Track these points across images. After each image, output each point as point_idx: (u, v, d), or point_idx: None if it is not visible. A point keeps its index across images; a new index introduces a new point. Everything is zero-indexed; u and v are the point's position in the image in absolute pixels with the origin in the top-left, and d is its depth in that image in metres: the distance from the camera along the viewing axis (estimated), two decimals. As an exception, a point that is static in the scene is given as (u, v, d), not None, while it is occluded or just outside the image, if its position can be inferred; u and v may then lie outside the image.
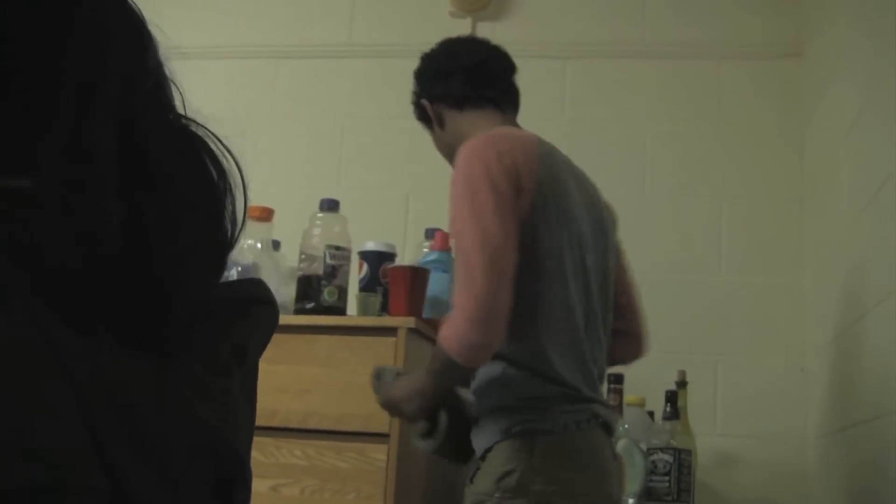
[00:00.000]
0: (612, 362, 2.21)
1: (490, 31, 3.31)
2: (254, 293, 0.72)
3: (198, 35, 3.39)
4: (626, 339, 2.21)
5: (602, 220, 2.10)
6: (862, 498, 2.17)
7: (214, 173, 0.69)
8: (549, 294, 1.92)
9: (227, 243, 0.70)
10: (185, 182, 0.66)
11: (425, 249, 2.80)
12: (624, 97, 3.10)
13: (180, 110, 0.69)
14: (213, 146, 0.69)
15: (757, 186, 3.02)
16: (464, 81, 2.14)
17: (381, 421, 2.26)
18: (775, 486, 2.79)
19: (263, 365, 0.75)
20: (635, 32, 3.23)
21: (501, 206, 1.85)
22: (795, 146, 3.02)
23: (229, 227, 0.70)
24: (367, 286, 2.58)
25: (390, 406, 2.01)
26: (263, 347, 0.74)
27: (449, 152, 2.13)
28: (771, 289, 2.93)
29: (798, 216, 2.96)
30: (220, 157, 0.69)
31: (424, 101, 2.18)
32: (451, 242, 1.91)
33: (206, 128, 0.69)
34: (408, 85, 3.28)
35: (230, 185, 0.70)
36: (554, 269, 1.92)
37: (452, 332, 1.82)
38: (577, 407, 1.91)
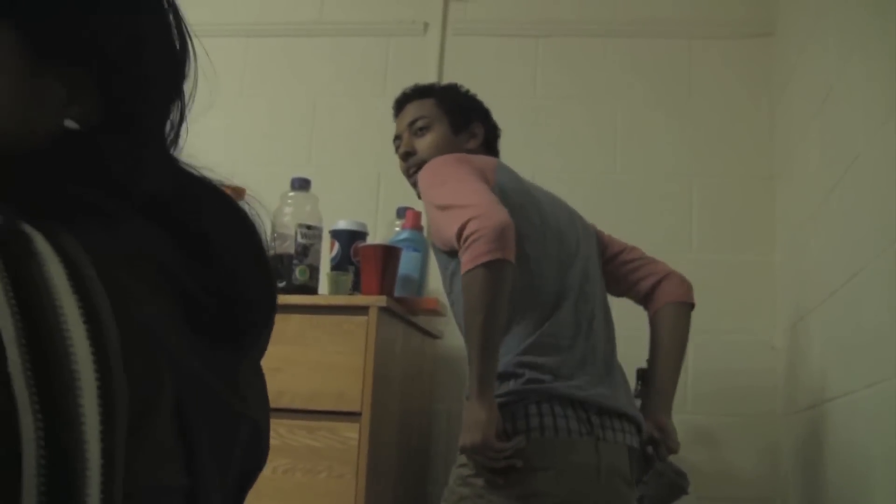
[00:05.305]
0: (659, 305, 2.25)
1: (461, 10, 3.30)
2: (275, 304, 0.83)
3: (166, 12, 3.36)
4: (665, 280, 2.27)
5: (571, 215, 2.20)
6: (832, 475, 2.19)
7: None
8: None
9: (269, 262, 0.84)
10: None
11: (397, 228, 2.80)
12: (595, 76, 3.09)
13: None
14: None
15: (727, 164, 3.03)
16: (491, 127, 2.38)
17: (353, 399, 2.26)
18: (746, 463, 2.81)
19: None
20: (607, 11, 3.22)
21: (473, 173, 2.00)
22: (766, 124, 3.03)
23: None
24: (339, 265, 2.57)
25: (470, 448, 1.87)
26: None
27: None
28: (741, 266, 2.95)
29: (768, 194, 2.97)
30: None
31: (478, 124, 2.32)
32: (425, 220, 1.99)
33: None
34: (378, 62, 3.29)
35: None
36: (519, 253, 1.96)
37: (465, 263, 1.85)
38: (518, 378, 1.94)
